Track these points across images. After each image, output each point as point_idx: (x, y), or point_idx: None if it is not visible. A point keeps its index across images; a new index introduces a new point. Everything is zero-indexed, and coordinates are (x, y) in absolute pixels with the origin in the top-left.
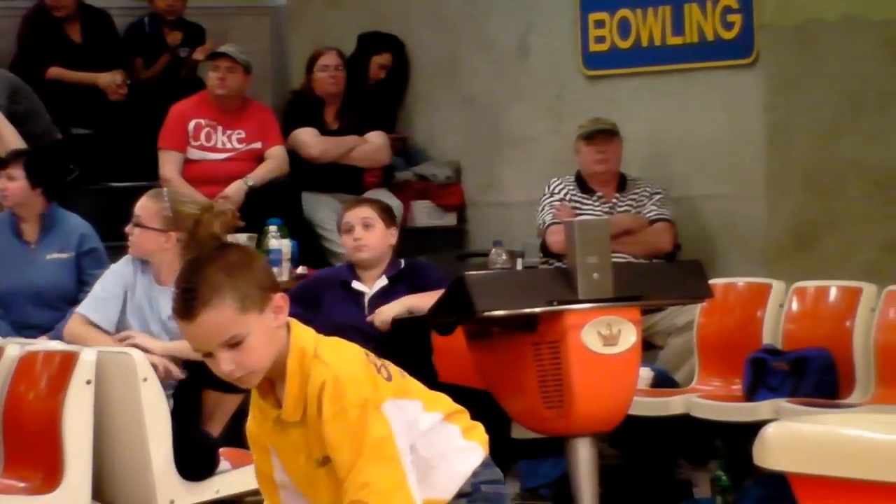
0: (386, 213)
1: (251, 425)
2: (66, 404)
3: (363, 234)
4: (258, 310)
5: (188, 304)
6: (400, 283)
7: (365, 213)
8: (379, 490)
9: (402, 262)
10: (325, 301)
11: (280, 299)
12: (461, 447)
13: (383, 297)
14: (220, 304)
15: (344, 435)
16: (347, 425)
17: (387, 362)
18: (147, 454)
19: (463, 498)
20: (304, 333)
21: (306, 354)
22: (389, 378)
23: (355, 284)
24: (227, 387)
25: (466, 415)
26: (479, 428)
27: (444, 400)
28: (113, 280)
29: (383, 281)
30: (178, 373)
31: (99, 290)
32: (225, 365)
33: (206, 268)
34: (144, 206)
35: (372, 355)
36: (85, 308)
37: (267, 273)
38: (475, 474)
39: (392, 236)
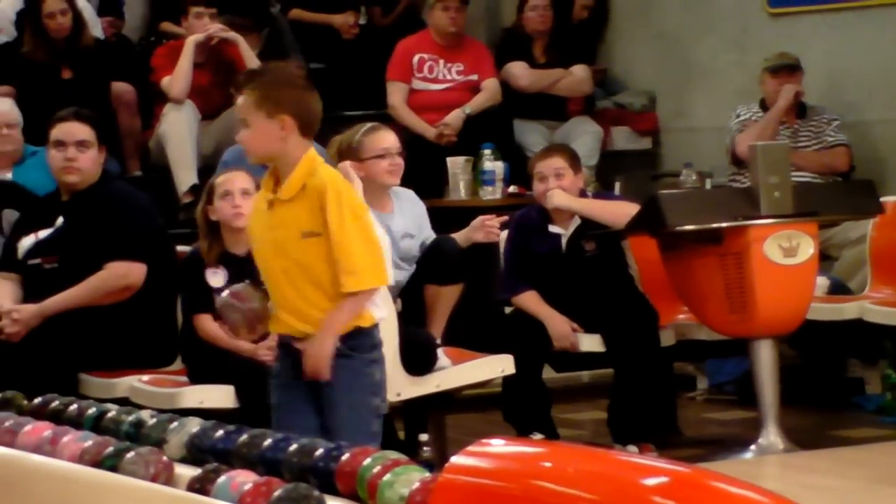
0: (574, 160)
1: (250, 221)
2: None
3: (556, 185)
4: (266, 114)
5: (249, 75)
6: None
7: (557, 163)
8: (360, 264)
9: (590, 194)
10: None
11: (288, 122)
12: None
13: (579, 235)
14: (249, 93)
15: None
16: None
17: None
18: None
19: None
20: (319, 159)
21: (315, 161)
22: None
23: (552, 228)
24: (442, 279)
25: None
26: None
27: None
28: None
29: (577, 220)
30: None
31: None
32: (237, 135)
33: (278, 69)
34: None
35: None
36: None
37: (298, 101)
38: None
39: (580, 181)
